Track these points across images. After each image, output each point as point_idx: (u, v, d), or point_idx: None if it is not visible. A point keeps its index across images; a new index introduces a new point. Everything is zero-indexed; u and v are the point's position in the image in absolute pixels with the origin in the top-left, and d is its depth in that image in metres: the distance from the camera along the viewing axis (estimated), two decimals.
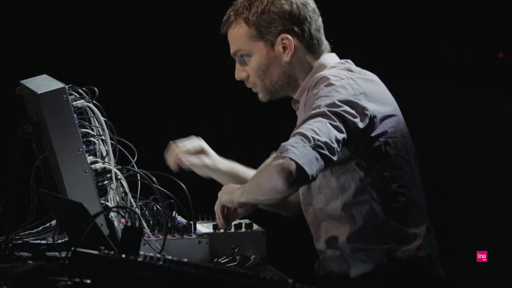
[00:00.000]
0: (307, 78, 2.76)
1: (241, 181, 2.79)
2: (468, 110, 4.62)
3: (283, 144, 2.46)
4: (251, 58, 2.77)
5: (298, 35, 2.75)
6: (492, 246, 4.48)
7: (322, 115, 2.49)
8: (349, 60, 2.78)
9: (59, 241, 2.77)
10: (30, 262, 2.61)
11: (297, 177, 2.42)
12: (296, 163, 2.40)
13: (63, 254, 2.59)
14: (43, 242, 2.84)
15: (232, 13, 2.79)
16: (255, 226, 2.95)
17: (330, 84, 2.58)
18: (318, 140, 2.43)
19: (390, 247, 2.63)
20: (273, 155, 2.51)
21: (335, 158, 2.48)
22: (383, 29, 4.58)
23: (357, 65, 2.78)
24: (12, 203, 2.75)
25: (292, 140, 2.45)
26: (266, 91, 2.81)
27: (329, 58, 2.79)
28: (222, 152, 4.73)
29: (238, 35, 2.77)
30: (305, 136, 2.44)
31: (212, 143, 4.77)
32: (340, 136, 2.48)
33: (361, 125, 2.55)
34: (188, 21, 4.65)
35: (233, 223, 2.89)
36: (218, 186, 2.82)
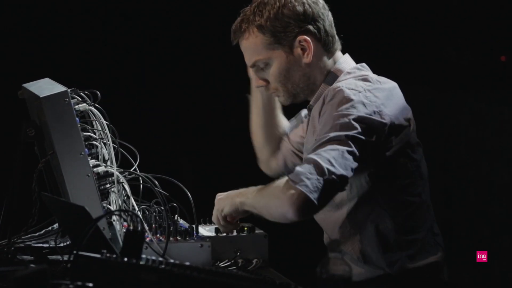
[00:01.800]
0: (324, 84, 2.73)
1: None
2: (470, 113, 4.62)
3: (297, 171, 2.44)
4: (270, 66, 2.73)
5: (315, 35, 2.71)
6: (492, 246, 4.48)
7: (339, 140, 2.46)
8: (364, 65, 2.74)
9: (61, 245, 2.77)
10: (32, 265, 2.61)
11: (308, 210, 2.44)
12: (308, 198, 2.41)
13: (65, 258, 2.59)
14: (45, 245, 2.84)
15: (243, 22, 2.72)
16: (257, 230, 2.94)
17: (347, 100, 2.54)
18: (333, 174, 2.43)
19: (396, 254, 2.62)
20: (285, 178, 2.49)
21: (347, 188, 2.51)
22: (386, 33, 4.58)
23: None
24: (14, 206, 2.75)
25: (306, 169, 2.43)
26: (288, 95, 2.76)
27: (345, 62, 2.75)
28: (224, 153, 4.74)
29: (254, 45, 2.72)
30: (320, 167, 2.42)
31: (214, 145, 4.78)
32: (356, 164, 2.47)
33: (378, 141, 2.53)
34: (191, 25, 4.66)
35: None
36: (221, 191, 2.82)
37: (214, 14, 4.58)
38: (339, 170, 2.43)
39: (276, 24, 2.68)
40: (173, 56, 4.68)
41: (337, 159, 2.44)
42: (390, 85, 2.68)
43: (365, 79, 2.64)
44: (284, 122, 3.04)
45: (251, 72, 2.84)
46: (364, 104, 2.53)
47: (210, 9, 4.61)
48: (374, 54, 4.35)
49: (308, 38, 2.69)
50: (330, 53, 2.75)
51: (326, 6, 2.76)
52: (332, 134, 2.48)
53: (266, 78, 2.76)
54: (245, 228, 2.92)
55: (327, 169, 2.42)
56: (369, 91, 2.58)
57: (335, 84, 2.64)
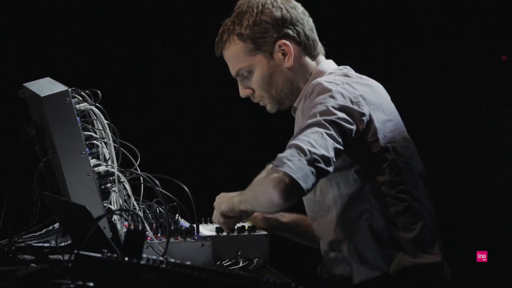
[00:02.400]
0: (307, 85, 2.74)
1: None
2: (471, 113, 4.62)
3: (279, 156, 2.45)
4: (253, 73, 2.76)
5: (294, 38, 2.73)
6: (492, 246, 4.48)
7: (318, 124, 2.48)
8: (347, 67, 2.77)
9: (62, 244, 2.77)
10: (33, 265, 2.61)
11: (292, 191, 2.43)
12: (291, 178, 2.41)
13: (66, 257, 2.59)
14: (46, 245, 2.85)
15: (224, 32, 2.77)
16: (258, 229, 2.95)
17: (326, 91, 2.57)
18: (314, 153, 2.43)
19: (392, 253, 2.62)
20: (269, 166, 2.50)
21: (331, 170, 2.48)
22: (387, 33, 4.58)
23: (360, 69, 2.77)
24: (15, 206, 2.75)
25: (288, 153, 2.44)
26: (274, 101, 2.79)
27: (327, 65, 2.78)
28: (225, 153, 4.74)
29: (235, 54, 2.76)
30: (301, 149, 2.43)
31: (215, 145, 4.78)
32: (337, 145, 2.47)
33: (358, 131, 2.54)
34: (192, 25, 4.66)
35: (236, 226, 2.90)
36: (221, 191, 2.82)
37: (215, 14, 4.58)
38: (320, 150, 2.43)
39: (255, 30, 2.71)
40: (174, 56, 4.68)
41: (317, 140, 2.45)
42: (371, 82, 2.70)
43: (345, 75, 2.68)
44: None
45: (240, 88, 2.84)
46: (342, 94, 2.56)
47: (211, 9, 4.61)
48: (374, 54, 4.35)
49: (287, 42, 2.72)
50: (312, 56, 2.78)
51: (306, 12, 2.79)
52: (311, 121, 2.49)
53: (251, 86, 2.79)
54: (246, 228, 2.92)
55: (308, 150, 2.43)
56: (348, 84, 2.60)
57: (315, 80, 2.66)
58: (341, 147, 2.49)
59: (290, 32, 2.72)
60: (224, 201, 2.70)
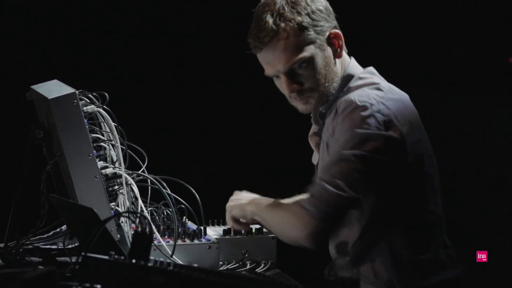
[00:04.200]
0: (337, 89, 2.65)
1: None
2: (477, 115, 4.61)
3: (309, 195, 2.42)
4: (311, 64, 2.60)
5: (338, 29, 2.65)
6: (492, 246, 4.47)
7: (350, 161, 2.42)
8: (372, 69, 2.68)
9: (70, 246, 2.78)
10: (40, 267, 2.61)
11: (320, 238, 2.43)
12: (318, 226, 2.40)
13: (74, 259, 2.59)
14: (53, 247, 2.85)
15: (279, 21, 2.57)
16: (265, 231, 2.94)
17: (360, 115, 2.48)
18: (344, 198, 2.40)
19: (410, 275, 2.57)
20: (297, 198, 2.49)
21: (359, 207, 2.50)
22: (392, 34, 4.57)
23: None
24: (23, 208, 2.75)
25: (317, 194, 2.41)
26: (322, 96, 2.64)
27: (355, 67, 2.69)
28: (233, 155, 4.74)
29: (294, 44, 2.58)
30: (330, 193, 2.40)
31: (222, 147, 4.78)
32: (367, 184, 2.45)
33: (390, 158, 2.48)
34: (201, 27, 4.66)
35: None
36: (229, 193, 2.82)
37: (227, 15, 4.58)
38: (350, 193, 2.40)
39: (314, 18, 2.59)
40: (181, 58, 4.68)
41: (347, 181, 2.40)
42: (402, 95, 2.63)
43: (378, 88, 2.59)
44: None
45: (281, 82, 2.67)
46: (377, 120, 2.48)
47: (221, 10, 4.61)
48: (380, 55, 4.35)
49: (339, 32, 2.64)
50: (344, 50, 2.69)
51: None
52: (344, 153, 2.44)
53: (301, 80, 2.62)
54: (253, 230, 2.92)
55: (337, 194, 2.39)
56: (382, 103, 2.51)
57: (348, 96, 2.56)
58: (372, 182, 2.47)
59: (335, 23, 2.64)
60: (236, 206, 2.68)
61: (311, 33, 2.59)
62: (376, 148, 2.45)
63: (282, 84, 2.64)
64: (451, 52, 4.59)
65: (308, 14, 2.58)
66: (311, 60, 2.60)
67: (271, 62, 2.62)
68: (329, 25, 2.61)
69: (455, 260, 2.64)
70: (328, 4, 2.65)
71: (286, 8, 2.58)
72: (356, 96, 2.53)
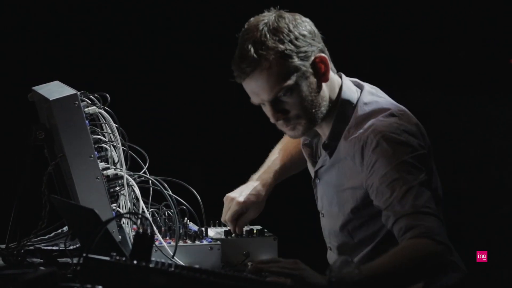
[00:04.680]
0: (336, 118, 2.62)
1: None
2: (477, 115, 4.61)
3: (433, 228, 2.36)
4: (295, 91, 2.55)
5: (324, 52, 2.60)
6: (492, 246, 4.47)
7: (421, 184, 2.42)
8: (365, 85, 2.68)
9: (71, 247, 2.77)
10: (41, 268, 2.62)
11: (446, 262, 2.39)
12: (450, 254, 2.38)
13: (75, 260, 2.60)
14: (55, 248, 2.85)
15: (260, 50, 2.52)
16: (266, 232, 2.95)
17: (397, 143, 2.48)
18: (441, 219, 2.41)
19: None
20: (425, 240, 2.37)
21: (372, 223, 2.56)
22: (395, 37, 4.57)
23: (367, 72, 2.73)
24: (24, 209, 2.75)
25: (437, 225, 2.37)
26: (310, 122, 2.60)
27: (347, 88, 2.65)
28: (234, 156, 4.74)
29: (277, 72, 2.52)
30: (440, 221, 2.39)
31: (224, 148, 4.78)
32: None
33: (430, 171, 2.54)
34: (201, 29, 4.66)
35: (244, 229, 2.91)
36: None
37: (227, 16, 4.58)
38: (438, 213, 2.41)
39: (298, 45, 2.52)
40: (182, 60, 4.68)
41: (433, 205, 2.41)
42: (406, 111, 2.63)
43: (392, 115, 2.57)
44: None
45: (267, 109, 2.63)
46: (410, 145, 2.48)
47: (222, 10, 4.61)
48: (382, 56, 4.35)
49: (324, 56, 2.58)
50: (332, 70, 2.65)
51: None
52: (417, 182, 2.42)
53: (286, 108, 2.58)
54: (255, 231, 2.92)
55: (438, 217, 2.39)
56: (405, 130, 2.52)
57: (372, 129, 2.53)
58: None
59: (321, 45, 2.59)
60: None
61: (295, 60, 2.53)
62: (423, 168, 2.46)
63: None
64: (453, 54, 4.59)
65: (291, 41, 2.52)
66: (295, 87, 2.54)
67: (255, 91, 2.58)
68: (314, 49, 2.55)
69: (456, 265, 2.65)
70: (313, 27, 2.58)
71: (268, 35, 2.52)
72: (379, 127, 2.52)
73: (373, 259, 2.51)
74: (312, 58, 2.55)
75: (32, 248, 2.83)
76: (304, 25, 2.56)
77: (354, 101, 2.64)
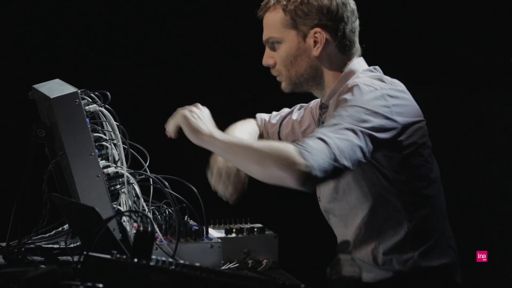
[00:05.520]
0: (337, 83, 2.73)
1: None
2: (478, 114, 4.61)
3: (311, 145, 2.42)
4: (281, 46, 2.74)
5: (332, 33, 2.72)
6: (492, 246, 4.47)
7: (353, 132, 2.47)
8: (377, 67, 2.75)
9: (72, 245, 2.78)
10: (42, 266, 2.62)
11: (308, 184, 2.42)
12: (315, 175, 2.39)
13: (76, 258, 2.60)
14: (55, 246, 2.85)
15: None
16: (267, 230, 2.95)
17: (363, 94, 2.56)
18: (342, 165, 2.42)
19: (409, 257, 2.62)
20: (284, 143, 2.50)
21: (361, 192, 2.58)
22: (396, 33, 4.57)
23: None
24: (25, 207, 2.75)
25: (321, 148, 2.42)
26: (290, 81, 2.77)
27: (358, 64, 2.76)
28: None
29: (273, 21, 2.75)
30: (333, 154, 2.41)
31: None
32: (363, 157, 2.47)
33: (389, 139, 2.54)
34: (201, 27, 4.66)
35: (245, 227, 2.91)
36: None
37: (228, 16, 4.58)
38: (347, 163, 2.43)
39: (299, 8, 2.70)
40: (183, 57, 4.68)
41: (348, 151, 2.44)
42: (402, 87, 2.69)
43: (381, 79, 2.65)
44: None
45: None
46: (379, 102, 2.55)
47: (222, 11, 4.61)
48: (386, 53, 4.35)
49: (323, 32, 2.71)
50: (345, 56, 2.75)
51: (355, 12, 2.77)
52: (347, 125, 2.48)
53: (274, 57, 2.78)
54: (255, 229, 2.92)
55: (339, 158, 2.42)
56: (384, 89, 2.59)
57: (351, 81, 2.66)
58: (365, 159, 2.49)
59: (330, 24, 2.71)
60: (190, 124, 2.66)
61: (289, 19, 2.72)
62: (378, 126, 2.51)
63: None
64: (455, 52, 4.58)
65: (296, 3, 2.71)
66: (281, 42, 2.75)
67: (263, 31, 2.80)
68: (318, 23, 2.70)
69: (455, 252, 2.68)
70: (335, 6, 2.71)
71: None
72: (360, 81, 2.62)
73: (373, 225, 2.56)
74: (310, 28, 2.72)
75: (33, 246, 2.83)
76: (333, 1, 2.71)
77: (357, 71, 2.74)
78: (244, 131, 3.02)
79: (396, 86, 2.65)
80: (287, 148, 2.43)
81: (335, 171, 2.43)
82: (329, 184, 2.74)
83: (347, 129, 2.47)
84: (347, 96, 2.57)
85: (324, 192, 2.80)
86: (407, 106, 2.61)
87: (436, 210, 2.67)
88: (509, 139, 4.53)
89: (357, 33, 2.77)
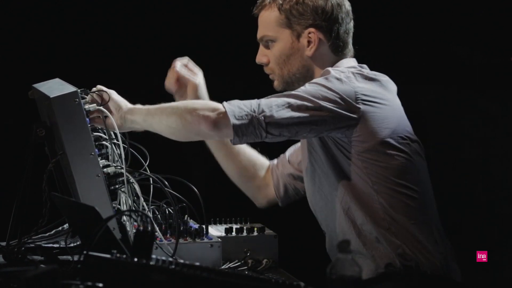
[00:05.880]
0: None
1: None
2: (479, 115, 4.61)
3: (236, 100, 2.53)
4: (275, 44, 2.77)
5: (325, 33, 2.75)
6: (492, 246, 4.47)
7: (295, 95, 2.56)
8: (364, 65, 2.77)
9: (72, 245, 2.78)
10: (42, 265, 2.62)
11: (223, 129, 2.53)
12: (229, 120, 2.51)
13: (76, 258, 2.60)
14: (55, 245, 2.85)
15: None
16: (267, 230, 2.95)
17: (328, 75, 2.62)
18: (265, 117, 2.51)
19: (400, 251, 2.61)
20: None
21: (268, 138, 2.57)
22: (395, 33, 4.57)
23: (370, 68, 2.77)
24: (25, 206, 2.75)
25: (246, 102, 2.54)
26: (283, 80, 2.80)
27: (347, 62, 2.78)
28: None
29: (268, 19, 2.78)
30: (257, 107, 2.52)
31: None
32: (299, 122, 2.53)
33: (348, 120, 2.57)
34: (199, 27, 4.66)
35: (245, 227, 2.91)
36: (230, 191, 2.81)
37: (228, 16, 4.58)
38: (273, 116, 2.51)
39: (294, 8, 2.73)
40: (183, 55, 4.68)
41: (280, 107, 2.52)
42: (381, 78, 2.71)
43: (355, 67, 2.71)
44: (254, 153, 3.09)
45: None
46: (341, 82, 2.60)
47: (222, 11, 4.61)
48: (384, 52, 4.35)
49: (317, 33, 2.74)
50: (337, 56, 2.79)
51: (350, 14, 2.80)
52: (294, 92, 2.57)
53: (267, 55, 2.81)
54: (255, 229, 2.92)
55: (262, 109, 2.51)
56: (353, 73, 2.64)
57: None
58: (303, 126, 2.54)
59: (324, 25, 2.74)
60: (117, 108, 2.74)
61: (284, 18, 2.75)
62: (330, 100, 2.56)
63: None
64: (454, 51, 4.58)
65: (291, 2, 2.74)
66: (275, 40, 2.78)
67: (258, 29, 2.83)
68: (312, 23, 2.74)
69: (444, 246, 2.67)
70: (330, 7, 2.74)
71: None
72: (331, 68, 2.69)
73: (348, 215, 2.57)
74: (304, 28, 2.75)
75: (33, 245, 2.83)
76: (328, 2, 2.74)
77: (341, 66, 2.76)
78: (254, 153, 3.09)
79: (371, 75, 2.69)
80: (210, 102, 2.60)
81: (256, 123, 2.51)
82: (307, 174, 2.77)
83: (293, 94, 2.56)
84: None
85: (307, 186, 2.81)
86: (376, 93, 2.64)
87: (420, 205, 2.65)
88: (509, 139, 4.54)
89: (351, 34, 2.80)
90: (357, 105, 2.58)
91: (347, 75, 2.62)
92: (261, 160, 3.08)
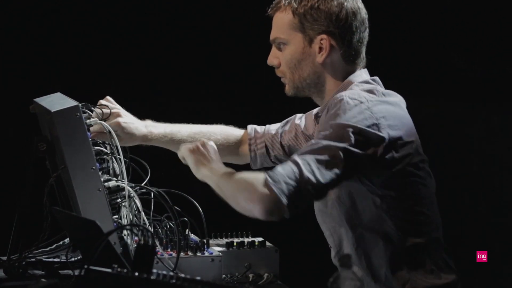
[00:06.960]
0: (335, 93, 2.70)
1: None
2: (482, 126, 4.61)
3: (278, 170, 2.43)
4: (287, 47, 2.74)
5: (338, 40, 2.71)
6: (492, 246, 4.46)
7: (330, 150, 2.45)
8: (376, 78, 2.72)
9: (72, 259, 2.77)
10: (43, 280, 2.62)
11: (277, 213, 2.42)
12: (280, 201, 2.39)
13: (76, 272, 2.59)
14: (56, 260, 2.85)
15: None
16: (268, 244, 2.94)
17: (346, 110, 2.53)
18: (312, 184, 2.41)
19: (407, 274, 2.59)
20: (260, 173, 2.47)
21: (322, 198, 2.55)
22: (396, 46, 4.57)
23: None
24: (26, 221, 2.75)
25: (287, 172, 2.42)
26: (293, 85, 2.77)
27: (359, 75, 2.74)
28: (235, 167, 4.73)
29: (281, 22, 2.74)
30: (301, 175, 2.41)
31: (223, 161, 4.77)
32: (341, 176, 2.46)
33: (373, 155, 2.50)
34: (202, 35, 4.66)
35: (246, 240, 2.91)
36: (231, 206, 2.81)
37: (228, 17, 4.58)
38: (319, 181, 2.42)
39: (308, 12, 2.70)
40: (182, 71, 4.68)
41: (321, 169, 2.43)
42: (395, 98, 2.67)
43: (370, 91, 2.63)
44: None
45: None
46: (363, 116, 2.52)
47: (223, 12, 4.61)
48: (384, 65, 4.35)
49: (328, 40, 2.70)
50: (348, 65, 2.73)
51: (366, 22, 2.75)
52: (325, 143, 2.47)
53: (279, 58, 2.77)
54: (256, 243, 2.92)
55: (308, 177, 2.41)
56: (371, 101, 2.56)
57: (339, 93, 2.63)
58: (344, 177, 2.48)
59: (337, 32, 2.70)
60: (189, 160, 2.78)
61: (297, 22, 2.72)
62: (359, 142, 2.48)
63: None
64: (455, 63, 4.59)
65: (305, 6, 2.71)
66: (287, 43, 2.74)
67: (271, 30, 2.80)
68: (325, 29, 2.70)
69: (453, 266, 2.66)
70: (344, 14, 2.70)
71: None
72: (347, 93, 2.60)
73: (361, 240, 2.56)
74: (316, 33, 2.71)
75: (34, 260, 2.82)
76: (331, 5, 2.70)
77: (354, 82, 2.72)
78: (217, 130, 3.21)
79: (387, 97, 2.64)
80: (254, 179, 2.46)
81: (306, 193, 2.42)
82: None
83: (324, 148, 2.46)
84: (332, 111, 2.56)
85: (318, 205, 2.79)
86: (396, 119, 2.58)
87: (431, 227, 2.63)
88: (509, 142, 4.54)
89: (364, 43, 2.75)
90: (382, 135, 2.53)
91: (368, 105, 2.55)
92: (232, 140, 3.20)
